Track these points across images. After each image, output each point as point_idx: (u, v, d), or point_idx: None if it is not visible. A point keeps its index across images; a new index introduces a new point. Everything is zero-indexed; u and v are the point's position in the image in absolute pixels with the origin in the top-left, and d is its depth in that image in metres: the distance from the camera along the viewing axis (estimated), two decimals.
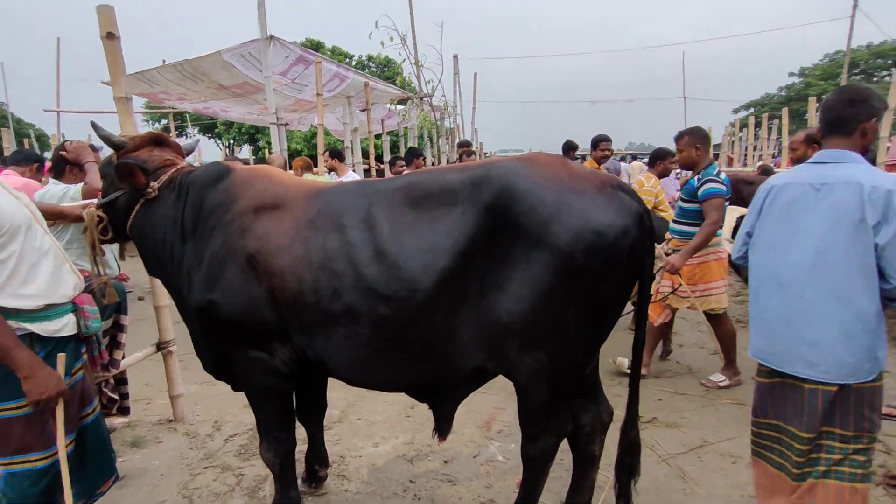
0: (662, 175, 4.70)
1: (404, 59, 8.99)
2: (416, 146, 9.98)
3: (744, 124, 15.37)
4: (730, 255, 3.90)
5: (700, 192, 3.39)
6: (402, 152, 8.49)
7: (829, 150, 1.95)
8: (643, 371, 3.85)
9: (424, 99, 9.55)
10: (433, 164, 10.10)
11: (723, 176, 3.43)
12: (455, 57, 14.29)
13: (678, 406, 3.49)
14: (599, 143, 4.89)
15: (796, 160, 3.54)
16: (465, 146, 6.68)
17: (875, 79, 27.29)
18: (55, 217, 2.41)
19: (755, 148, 13.03)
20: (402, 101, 10.64)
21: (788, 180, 2.00)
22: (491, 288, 1.70)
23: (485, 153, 18.36)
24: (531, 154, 1.92)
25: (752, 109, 30.56)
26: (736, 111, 33.28)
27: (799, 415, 1.91)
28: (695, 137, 3.52)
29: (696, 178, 3.47)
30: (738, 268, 2.95)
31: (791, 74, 32.33)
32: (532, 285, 1.66)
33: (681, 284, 3.62)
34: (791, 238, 1.91)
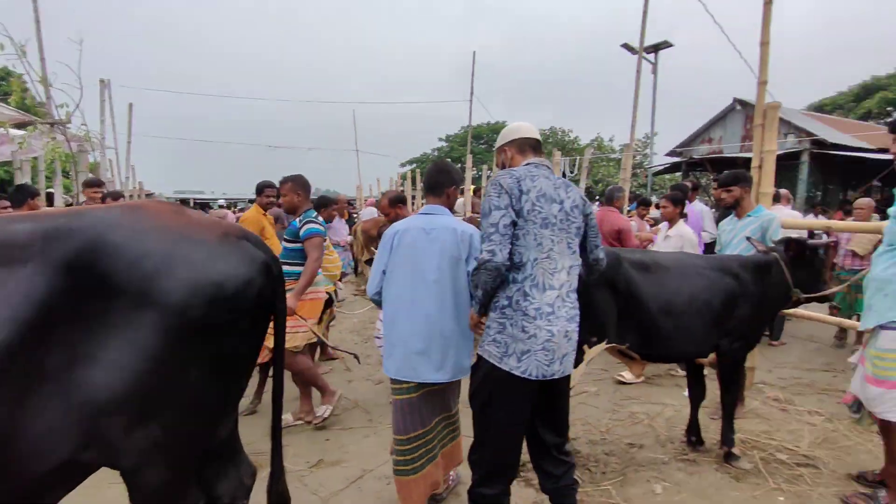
0: (328, 220, 4.99)
1: (22, 75, 7.17)
2: (41, 181, 8.02)
3: (405, 177, 17.93)
4: (329, 295, 4.32)
5: (302, 232, 3.69)
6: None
7: (431, 205, 2.56)
8: (311, 418, 3.92)
9: (56, 126, 7.75)
10: (69, 205, 8.23)
11: (320, 219, 3.86)
12: (104, 81, 12.22)
13: (343, 441, 3.63)
14: (264, 189, 4.84)
15: (390, 221, 4.29)
16: (94, 186, 5.47)
17: (494, 147, 35.93)
18: None
19: (413, 198, 15.31)
20: (22, 126, 8.38)
21: (408, 226, 2.49)
22: (81, 361, 1.41)
23: (148, 194, 16.11)
24: (138, 201, 1.73)
25: (414, 165, 35.98)
26: (403, 165, 38.58)
27: (433, 413, 2.46)
28: (297, 185, 3.84)
29: (297, 220, 3.78)
30: None
31: (440, 139, 39.57)
32: (138, 351, 1.45)
33: (306, 321, 3.76)
34: (415, 272, 2.38)
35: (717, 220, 5.00)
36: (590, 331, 2.84)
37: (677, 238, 4.60)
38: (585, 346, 2.87)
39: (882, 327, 2.56)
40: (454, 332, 2.38)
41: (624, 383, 4.67)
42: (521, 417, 2.08)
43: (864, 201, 5.79)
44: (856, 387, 2.75)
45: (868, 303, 2.68)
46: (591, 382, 4.77)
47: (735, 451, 3.15)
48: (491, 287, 1.99)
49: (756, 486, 2.90)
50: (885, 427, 2.61)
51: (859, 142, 15.95)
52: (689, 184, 6.51)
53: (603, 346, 2.90)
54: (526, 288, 1.99)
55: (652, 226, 7.11)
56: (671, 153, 20.73)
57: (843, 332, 5.79)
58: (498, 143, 2.34)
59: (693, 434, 3.40)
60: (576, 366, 2.90)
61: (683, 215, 4.84)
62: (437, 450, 2.53)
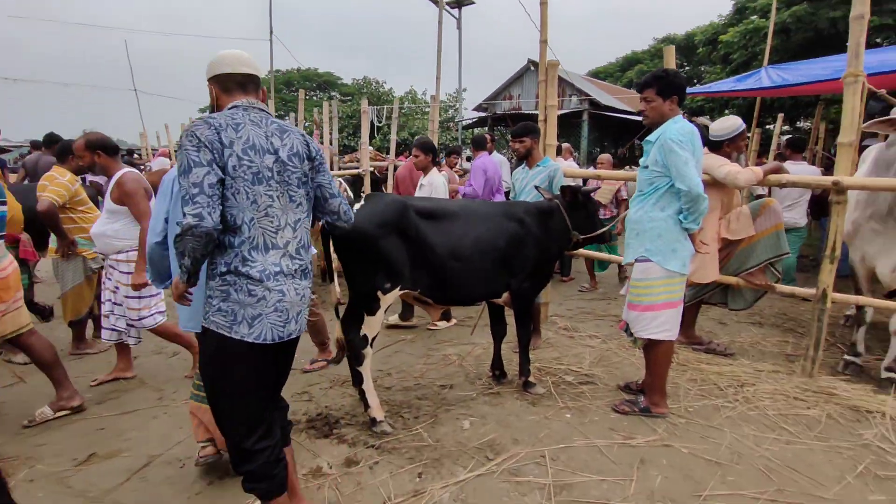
0: (80, 171, 4.06)
1: None
2: None
3: None
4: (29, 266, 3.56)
5: None
6: None
7: None
8: (75, 403, 3.24)
9: None
10: None
11: None
12: None
13: (123, 428, 3.08)
14: None
15: (86, 168, 3.73)
16: None
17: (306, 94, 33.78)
18: None
19: None
20: None
21: None
22: None
23: None
24: None
25: None
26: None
27: None
28: None
29: None
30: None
31: None
32: None
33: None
34: None
35: (513, 170, 5.39)
36: (384, 278, 2.81)
37: (429, 186, 4.79)
38: (380, 293, 2.82)
39: (637, 261, 3.01)
40: None
41: (436, 330, 4.85)
42: (265, 382, 1.95)
43: (604, 157, 6.93)
44: (626, 313, 3.21)
45: (627, 241, 3.12)
46: (406, 330, 4.85)
47: (532, 379, 3.48)
48: (201, 255, 1.70)
49: (548, 407, 3.25)
50: (645, 345, 3.11)
51: (625, 105, 18.85)
52: (487, 136, 6.93)
53: (397, 292, 2.89)
54: (245, 252, 1.78)
55: (461, 176, 7.43)
56: (478, 108, 21.88)
57: (593, 278, 6.61)
58: (206, 77, 2.00)
59: (497, 369, 3.66)
60: (374, 314, 2.87)
61: (436, 164, 5.09)
62: None
